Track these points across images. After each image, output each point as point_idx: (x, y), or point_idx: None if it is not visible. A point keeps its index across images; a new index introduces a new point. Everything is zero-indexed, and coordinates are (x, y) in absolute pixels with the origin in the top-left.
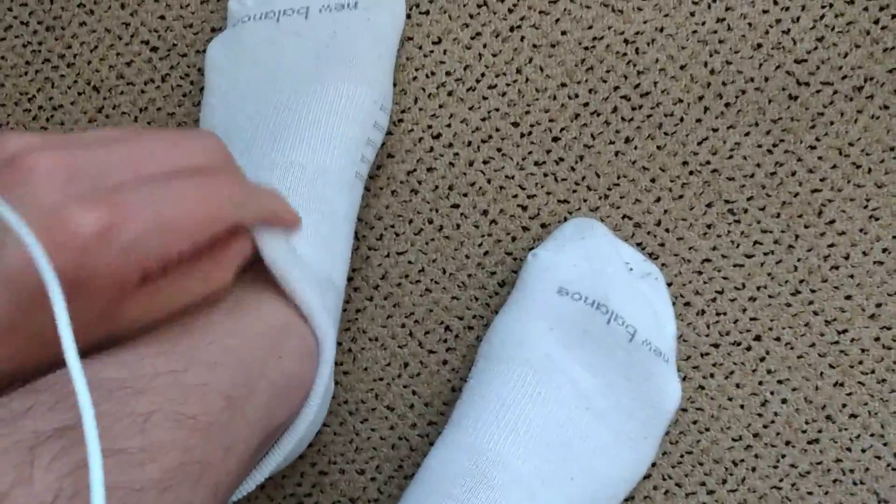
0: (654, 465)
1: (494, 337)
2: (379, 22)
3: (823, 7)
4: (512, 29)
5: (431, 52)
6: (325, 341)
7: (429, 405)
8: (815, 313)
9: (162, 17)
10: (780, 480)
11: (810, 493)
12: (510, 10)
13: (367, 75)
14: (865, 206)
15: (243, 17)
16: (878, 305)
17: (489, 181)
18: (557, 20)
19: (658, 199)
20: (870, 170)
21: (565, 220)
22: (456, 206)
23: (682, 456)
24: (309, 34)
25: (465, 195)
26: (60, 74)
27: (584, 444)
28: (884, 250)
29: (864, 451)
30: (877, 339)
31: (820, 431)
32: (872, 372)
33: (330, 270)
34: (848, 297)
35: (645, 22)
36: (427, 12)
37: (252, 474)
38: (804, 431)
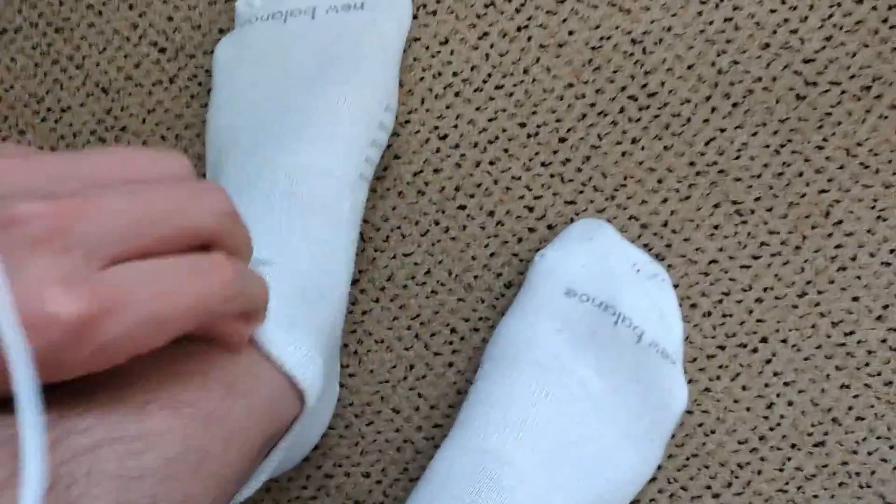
0: (659, 468)
1: (501, 338)
2: (385, 23)
3: (832, 6)
4: (519, 29)
5: (438, 52)
6: (302, 378)
7: (434, 407)
8: (822, 315)
9: (170, 19)
10: (786, 483)
11: (816, 497)
12: (517, 10)
13: (373, 76)
14: (873, 207)
15: (251, 17)
16: (885, 307)
17: (496, 182)
18: (565, 20)
19: (665, 200)
20: (878, 170)
21: (572, 221)
22: (462, 207)
23: (687, 459)
24: (315, 35)
25: (472, 196)
26: (69, 76)
27: (592, 445)
28: (891, 251)
29: (870, 453)
30: (883, 340)
31: (826, 434)
32: (879, 374)
33: (325, 276)
34: (855, 299)
35: (652, 21)
36: (434, 13)
37: (255, 474)
38: (810, 434)
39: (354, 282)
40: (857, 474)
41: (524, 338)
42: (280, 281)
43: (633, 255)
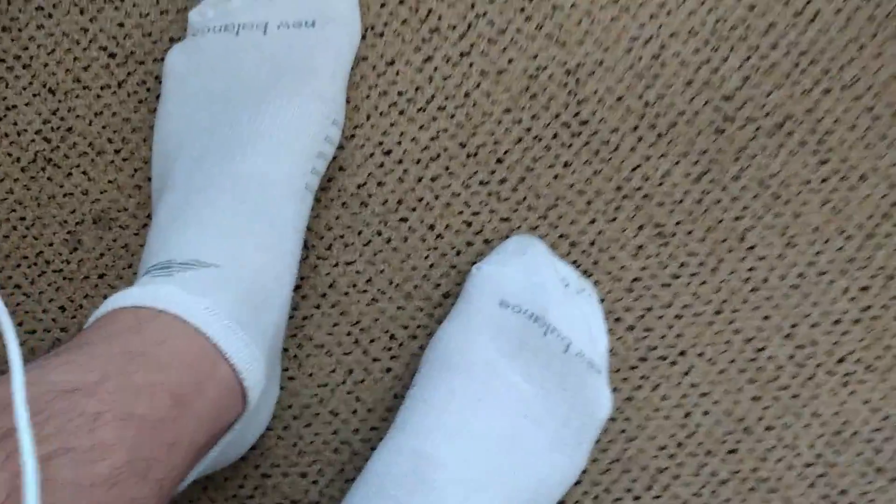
0: (584, 471)
1: (438, 345)
2: (335, 40)
3: (750, 50)
4: (462, 55)
5: (385, 72)
6: (247, 377)
7: (371, 411)
8: (736, 332)
9: (121, 25)
10: (702, 487)
11: (727, 501)
12: (461, 37)
13: (321, 91)
14: (783, 234)
15: (203, 28)
16: (793, 326)
17: (436, 197)
18: (504, 49)
19: (593, 221)
20: (788, 201)
21: (507, 237)
22: (404, 219)
23: (610, 463)
24: (267, 48)
25: (413, 210)
26: (15, 75)
27: (522, 448)
28: (799, 275)
29: (778, 461)
30: (791, 357)
31: (738, 442)
32: (787, 388)
33: (271, 281)
34: (766, 318)
35: (586, 55)
36: (382, 34)
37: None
38: (724, 442)
39: (296, 288)
40: (766, 480)
41: (460, 345)
42: (227, 283)
43: (563, 270)
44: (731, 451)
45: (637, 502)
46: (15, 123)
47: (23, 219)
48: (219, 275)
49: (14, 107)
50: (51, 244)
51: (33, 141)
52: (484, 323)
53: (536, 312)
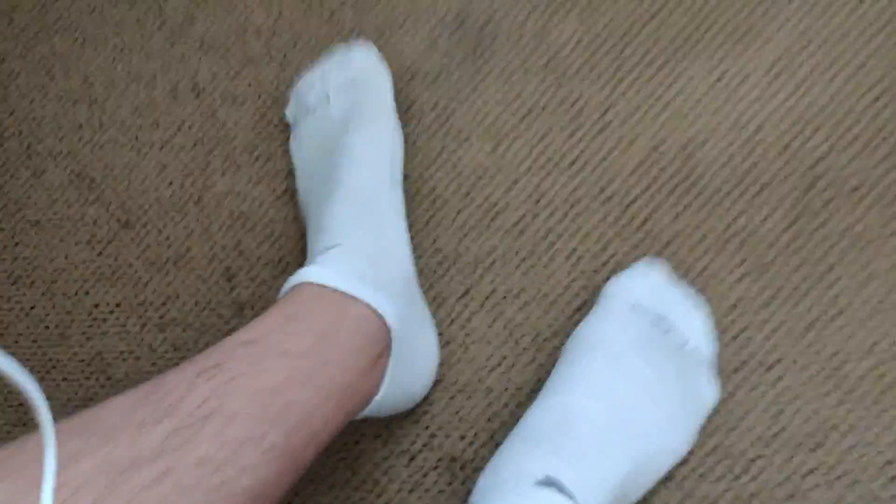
0: (690, 452)
1: (580, 334)
2: (374, 84)
3: (834, 127)
4: (601, 129)
5: (538, 144)
6: (379, 306)
7: (519, 389)
8: (823, 346)
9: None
10: (790, 475)
11: (815, 487)
12: (600, 116)
13: (372, 118)
14: (865, 268)
15: (296, 119)
16: (874, 343)
17: (578, 229)
18: (637, 123)
19: (705, 252)
20: (869, 242)
21: (634, 259)
22: (552, 244)
23: (713, 448)
24: (334, 112)
25: (560, 237)
26: (279, 131)
27: (645, 419)
28: (879, 301)
29: (861, 456)
30: (873, 368)
31: (825, 437)
32: (868, 394)
33: (379, 246)
34: (850, 337)
35: (699, 130)
36: (537, 116)
37: (377, 391)
38: (812, 436)
39: (465, 293)
40: (850, 472)
41: (597, 334)
42: (346, 253)
43: (681, 286)
44: (819, 446)
45: (735, 483)
46: (274, 165)
47: (272, 232)
48: (341, 250)
49: (274, 155)
50: (290, 252)
51: (286, 179)
52: (617, 321)
53: (660, 314)
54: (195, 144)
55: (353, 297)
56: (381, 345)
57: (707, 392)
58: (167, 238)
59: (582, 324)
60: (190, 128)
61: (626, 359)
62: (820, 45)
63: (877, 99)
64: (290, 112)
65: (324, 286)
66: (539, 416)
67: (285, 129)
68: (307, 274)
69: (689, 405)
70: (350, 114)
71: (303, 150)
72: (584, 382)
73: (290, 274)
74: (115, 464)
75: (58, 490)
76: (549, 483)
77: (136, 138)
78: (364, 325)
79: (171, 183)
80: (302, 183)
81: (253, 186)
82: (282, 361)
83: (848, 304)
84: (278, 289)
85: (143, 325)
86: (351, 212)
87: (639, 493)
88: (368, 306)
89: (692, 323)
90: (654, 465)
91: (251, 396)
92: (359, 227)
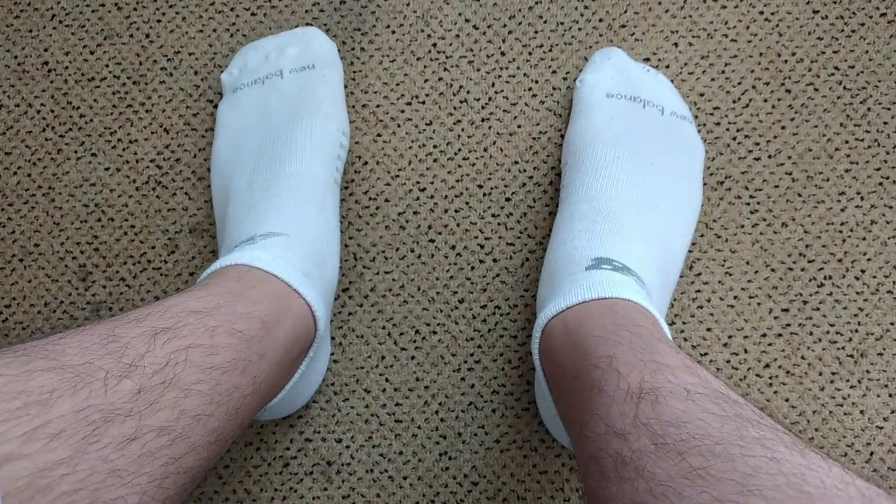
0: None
1: (573, 140)
2: (329, 76)
3: (699, 126)
4: (483, 120)
5: (423, 131)
6: (316, 309)
7: (397, 390)
8: (685, 339)
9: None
10: None
11: None
12: (483, 107)
13: (329, 112)
14: (722, 265)
15: (238, 84)
16: (729, 337)
17: (458, 225)
18: (515, 117)
19: None
20: (726, 239)
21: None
22: (432, 240)
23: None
24: (285, 88)
25: (440, 233)
26: (139, 117)
27: (659, 183)
28: (735, 297)
29: None
30: (727, 361)
31: None
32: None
33: (325, 247)
34: (708, 329)
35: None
36: (423, 102)
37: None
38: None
39: (344, 290)
40: None
41: (589, 131)
42: (295, 247)
43: (639, 63)
44: None
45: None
46: (135, 153)
47: (133, 226)
48: (289, 241)
49: (135, 141)
50: (153, 247)
51: (148, 167)
52: (599, 113)
53: (633, 94)
54: (45, 128)
55: (296, 292)
56: (305, 346)
57: (696, 143)
58: (12, 233)
59: (569, 131)
60: (38, 110)
61: (623, 142)
62: (689, 44)
63: (736, 100)
64: (229, 75)
65: (270, 273)
66: (569, 210)
67: (147, 111)
68: (254, 258)
69: (689, 159)
70: (304, 97)
71: (239, 116)
72: (598, 174)
73: (154, 271)
74: (91, 413)
75: (37, 429)
76: (599, 264)
77: None
78: (300, 324)
79: (16, 171)
80: (224, 152)
81: (111, 175)
82: (231, 342)
83: (707, 300)
84: (139, 287)
85: None
86: (303, 205)
87: (678, 257)
88: (308, 305)
89: (661, 89)
90: (680, 226)
91: (205, 372)
92: (308, 223)
